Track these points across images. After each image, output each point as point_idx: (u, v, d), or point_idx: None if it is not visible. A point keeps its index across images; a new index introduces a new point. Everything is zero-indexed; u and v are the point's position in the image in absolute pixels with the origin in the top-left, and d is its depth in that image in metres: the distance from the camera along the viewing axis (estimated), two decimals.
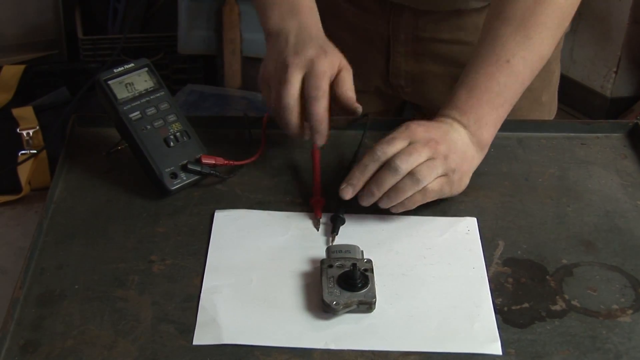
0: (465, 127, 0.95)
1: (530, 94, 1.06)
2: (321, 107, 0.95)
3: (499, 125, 0.97)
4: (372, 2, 1.19)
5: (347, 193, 0.91)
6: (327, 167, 1.02)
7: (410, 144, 0.91)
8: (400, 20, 1.17)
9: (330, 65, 0.97)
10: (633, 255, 0.90)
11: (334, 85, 0.98)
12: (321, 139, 0.96)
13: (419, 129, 0.93)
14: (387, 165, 0.90)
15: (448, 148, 0.92)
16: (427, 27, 1.17)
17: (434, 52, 1.19)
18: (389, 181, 0.89)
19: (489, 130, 0.96)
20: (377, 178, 0.90)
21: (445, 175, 0.91)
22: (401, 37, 1.19)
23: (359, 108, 0.99)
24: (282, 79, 0.96)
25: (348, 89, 0.98)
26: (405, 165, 0.89)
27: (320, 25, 1.03)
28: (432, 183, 0.90)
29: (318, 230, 0.93)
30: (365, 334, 0.80)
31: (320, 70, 0.95)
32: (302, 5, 1.03)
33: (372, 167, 0.91)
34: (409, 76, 1.22)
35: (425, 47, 1.19)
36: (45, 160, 1.24)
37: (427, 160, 0.90)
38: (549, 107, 1.27)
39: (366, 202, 0.91)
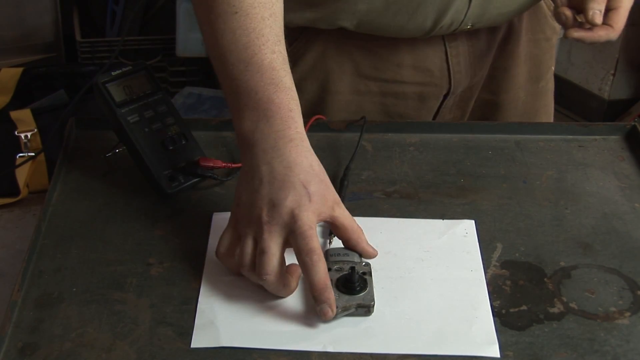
0: None
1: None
2: (319, 274, 0.78)
3: None
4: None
5: None
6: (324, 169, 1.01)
7: None
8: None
9: (317, 212, 0.80)
10: (631, 257, 0.90)
11: (336, 233, 0.85)
12: (329, 310, 0.78)
13: None
14: None
15: None
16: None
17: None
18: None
19: None
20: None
21: None
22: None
23: (375, 253, 0.85)
24: (260, 246, 0.80)
25: (359, 243, 0.83)
26: None
27: (301, 124, 0.84)
28: None
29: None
30: (363, 337, 0.80)
31: (305, 226, 0.79)
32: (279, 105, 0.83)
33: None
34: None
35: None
36: (43, 163, 1.24)
37: None
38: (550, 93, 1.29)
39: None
